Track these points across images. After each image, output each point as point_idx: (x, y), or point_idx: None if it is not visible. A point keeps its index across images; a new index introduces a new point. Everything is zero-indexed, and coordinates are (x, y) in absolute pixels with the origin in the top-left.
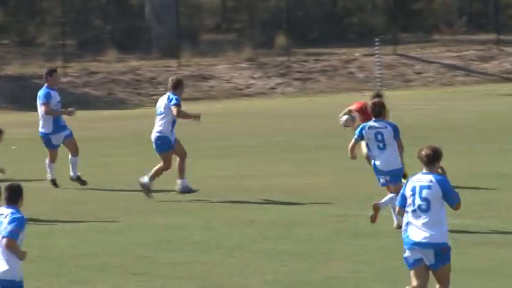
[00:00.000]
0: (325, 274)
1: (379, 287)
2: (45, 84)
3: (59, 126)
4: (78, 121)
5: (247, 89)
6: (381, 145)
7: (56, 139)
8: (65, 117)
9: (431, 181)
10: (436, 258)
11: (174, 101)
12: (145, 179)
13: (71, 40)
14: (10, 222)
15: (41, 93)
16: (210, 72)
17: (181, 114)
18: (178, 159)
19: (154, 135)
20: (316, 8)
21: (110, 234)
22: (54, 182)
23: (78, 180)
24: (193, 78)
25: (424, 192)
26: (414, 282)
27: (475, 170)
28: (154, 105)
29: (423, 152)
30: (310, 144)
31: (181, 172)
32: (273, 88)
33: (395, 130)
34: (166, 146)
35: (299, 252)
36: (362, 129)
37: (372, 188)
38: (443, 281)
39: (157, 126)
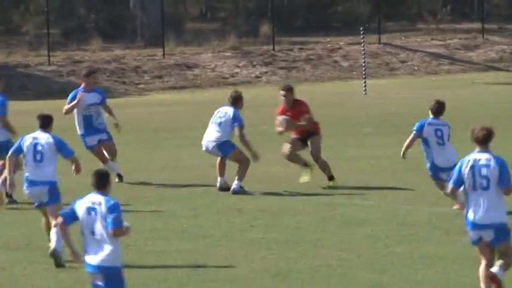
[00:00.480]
0: (313, 262)
1: (367, 275)
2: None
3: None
4: (62, 110)
5: (232, 78)
6: (441, 141)
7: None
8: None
9: (489, 160)
10: (496, 235)
11: (239, 122)
12: (235, 184)
13: (56, 29)
14: (110, 212)
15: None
16: (195, 61)
17: (243, 138)
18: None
19: (211, 144)
20: None
21: None
22: (119, 176)
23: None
24: (178, 67)
25: (484, 171)
26: (482, 260)
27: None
28: (140, 94)
29: (479, 132)
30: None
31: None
32: (258, 77)
33: (449, 130)
34: (229, 147)
35: (287, 241)
36: (422, 125)
37: (359, 177)
38: (505, 255)
39: (214, 134)
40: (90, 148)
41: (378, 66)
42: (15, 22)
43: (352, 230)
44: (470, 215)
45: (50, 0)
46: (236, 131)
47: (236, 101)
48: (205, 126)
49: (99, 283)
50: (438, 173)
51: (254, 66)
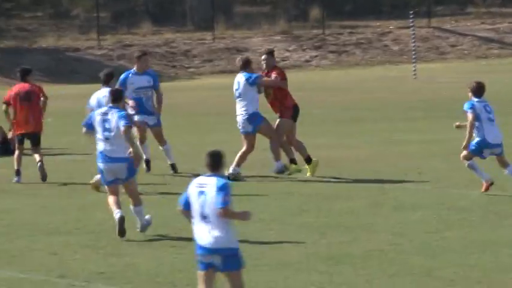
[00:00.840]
0: (366, 247)
1: (419, 260)
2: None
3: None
4: None
5: (282, 62)
6: (492, 116)
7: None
8: None
9: None
10: None
11: (255, 77)
12: (232, 169)
13: (105, 12)
14: (219, 191)
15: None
16: (245, 45)
17: (268, 82)
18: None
19: (241, 119)
20: None
21: (148, 207)
22: (147, 163)
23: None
24: (227, 50)
25: None
26: None
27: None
28: (190, 78)
29: None
30: (347, 116)
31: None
32: (308, 61)
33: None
34: (257, 120)
35: (339, 225)
36: (472, 104)
37: (409, 161)
38: None
39: (240, 109)
40: (136, 122)
41: (427, 50)
42: (65, 6)
43: (404, 214)
44: None
45: None
46: (258, 84)
47: (245, 66)
48: None
49: (215, 262)
50: (483, 150)
51: (304, 50)
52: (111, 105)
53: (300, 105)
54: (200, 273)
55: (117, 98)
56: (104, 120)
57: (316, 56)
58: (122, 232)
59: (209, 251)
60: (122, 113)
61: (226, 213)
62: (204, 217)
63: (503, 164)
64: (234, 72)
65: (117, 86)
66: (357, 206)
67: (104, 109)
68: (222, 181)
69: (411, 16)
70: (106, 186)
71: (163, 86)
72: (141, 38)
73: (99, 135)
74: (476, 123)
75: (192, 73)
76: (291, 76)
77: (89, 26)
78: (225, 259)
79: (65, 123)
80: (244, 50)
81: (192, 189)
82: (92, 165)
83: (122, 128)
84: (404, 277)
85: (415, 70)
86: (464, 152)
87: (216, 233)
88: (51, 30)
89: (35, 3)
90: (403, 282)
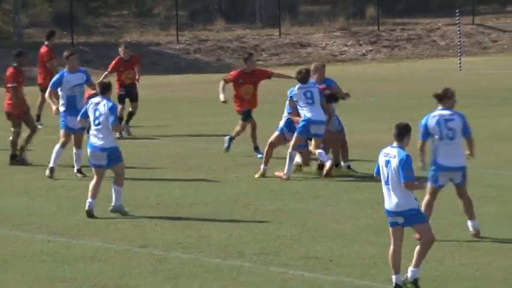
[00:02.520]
0: None
1: (459, 233)
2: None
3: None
4: (189, 84)
5: (340, 55)
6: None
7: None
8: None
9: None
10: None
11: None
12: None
13: (184, 11)
14: (400, 165)
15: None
16: (308, 40)
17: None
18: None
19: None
20: None
21: (219, 184)
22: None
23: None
24: (292, 45)
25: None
26: None
27: None
28: None
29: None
30: (398, 104)
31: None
32: (364, 55)
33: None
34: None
35: None
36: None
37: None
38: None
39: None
40: (70, 129)
41: (471, 45)
42: (147, 5)
43: (445, 192)
44: None
45: None
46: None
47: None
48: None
49: (399, 222)
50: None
51: (361, 45)
52: (101, 96)
53: (357, 94)
54: (390, 229)
55: (105, 89)
56: (95, 110)
57: (371, 50)
58: (88, 214)
59: (392, 213)
60: (111, 104)
61: (408, 186)
62: (387, 183)
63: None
64: (298, 64)
65: (52, 87)
66: None
67: (97, 99)
68: (403, 154)
69: (457, 14)
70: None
71: None
72: (215, 34)
73: (91, 122)
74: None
75: (260, 65)
76: (349, 68)
77: (168, 23)
78: (407, 218)
79: (146, 110)
80: (307, 44)
81: (381, 159)
82: (168, 147)
83: (110, 127)
84: (446, 247)
85: (460, 63)
86: None
87: (396, 199)
88: (135, 27)
89: (120, 2)
90: (445, 252)
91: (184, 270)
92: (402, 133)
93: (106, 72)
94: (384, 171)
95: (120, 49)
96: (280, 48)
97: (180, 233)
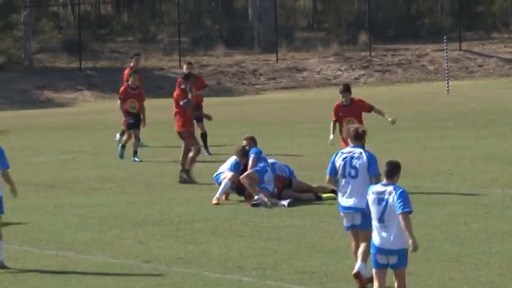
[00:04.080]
0: None
1: (449, 248)
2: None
3: None
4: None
5: (334, 79)
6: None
7: None
8: None
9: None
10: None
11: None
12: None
13: (186, 37)
14: (398, 198)
15: None
16: (304, 65)
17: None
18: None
19: None
20: (394, 10)
21: (220, 203)
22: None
23: None
24: (289, 70)
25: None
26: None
27: None
28: (256, 93)
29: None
30: (389, 126)
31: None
32: (357, 78)
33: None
34: None
35: None
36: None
37: (442, 164)
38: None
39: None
40: None
41: (458, 69)
42: (151, 32)
43: (436, 209)
44: None
45: (181, 13)
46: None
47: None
48: (311, 121)
49: (391, 262)
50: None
51: (353, 69)
52: None
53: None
54: (375, 271)
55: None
56: None
57: (364, 75)
58: None
59: (386, 251)
60: None
61: (406, 217)
62: (381, 221)
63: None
64: (294, 87)
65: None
66: None
67: None
68: (400, 188)
69: (445, 40)
70: None
71: (235, 100)
72: (215, 59)
73: None
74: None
75: (258, 89)
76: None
77: (171, 49)
78: (401, 258)
79: (150, 131)
80: (302, 69)
81: (370, 197)
82: (171, 167)
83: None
84: (436, 263)
85: (448, 87)
86: None
87: (392, 236)
88: (139, 53)
89: (126, 29)
90: (434, 266)
91: (186, 285)
92: (394, 170)
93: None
94: (376, 209)
95: (184, 66)
96: (277, 73)
97: (182, 249)
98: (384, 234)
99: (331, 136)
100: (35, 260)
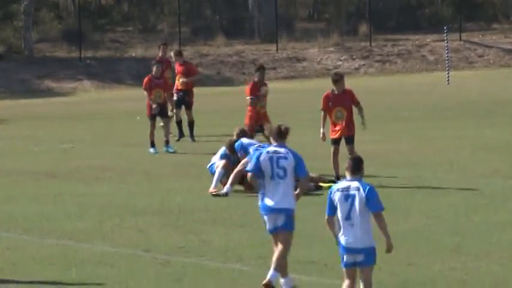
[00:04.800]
0: (403, 227)
1: (449, 239)
2: None
3: None
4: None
5: (335, 70)
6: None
7: None
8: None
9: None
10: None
11: None
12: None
13: (186, 28)
14: (370, 196)
15: None
16: (304, 55)
17: None
18: None
19: None
20: (394, 0)
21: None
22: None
23: None
24: (289, 60)
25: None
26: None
27: None
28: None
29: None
30: (389, 116)
31: None
32: (357, 69)
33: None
34: None
35: None
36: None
37: (443, 154)
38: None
39: None
40: None
41: (459, 60)
42: (152, 22)
43: (436, 199)
44: None
45: (181, 3)
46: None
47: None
48: (312, 111)
49: (358, 260)
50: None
51: (354, 59)
52: None
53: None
54: (345, 269)
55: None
56: None
57: (364, 65)
58: None
59: (352, 250)
60: None
61: (379, 215)
62: (348, 219)
63: None
64: (294, 77)
65: None
66: (396, 192)
67: None
68: (367, 185)
69: (445, 31)
70: None
71: (234, 89)
72: (215, 49)
73: None
74: None
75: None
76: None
77: (172, 39)
78: (368, 256)
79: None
80: (303, 59)
81: (336, 195)
82: (171, 156)
83: None
84: (436, 253)
85: (448, 77)
86: None
87: (359, 234)
88: (139, 42)
89: (126, 19)
90: (435, 257)
91: (186, 274)
92: (358, 165)
93: None
94: (342, 207)
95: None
96: (277, 63)
97: (182, 238)
98: (351, 232)
99: (322, 130)
100: (35, 249)
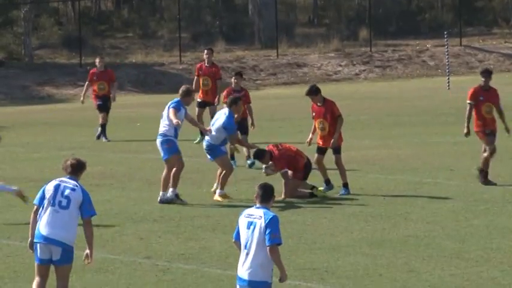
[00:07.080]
0: (404, 233)
1: (449, 244)
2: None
3: None
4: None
5: (335, 75)
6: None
7: None
8: None
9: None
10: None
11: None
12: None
13: (186, 33)
14: (269, 226)
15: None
16: (304, 61)
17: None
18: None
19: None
20: (394, 6)
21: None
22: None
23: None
24: (289, 65)
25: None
26: None
27: None
28: (257, 89)
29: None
30: (389, 121)
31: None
32: (357, 74)
33: None
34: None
35: (381, 214)
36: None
37: (443, 159)
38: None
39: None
40: None
41: (459, 65)
42: (152, 28)
43: (437, 205)
44: None
45: (181, 9)
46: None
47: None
48: (312, 117)
49: None
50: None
51: (354, 65)
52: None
53: (350, 112)
54: None
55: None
56: None
57: (364, 70)
58: None
59: (245, 282)
60: None
61: (273, 250)
62: (246, 247)
63: None
64: (295, 83)
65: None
66: (397, 197)
67: None
68: (270, 214)
69: (445, 36)
70: None
71: None
72: (215, 55)
73: None
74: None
75: (258, 85)
76: (343, 87)
77: (172, 45)
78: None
79: (151, 127)
80: (303, 65)
81: (242, 220)
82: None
83: None
84: (437, 259)
85: (448, 82)
86: None
87: (252, 266)
88: (140, 48)
89: (126, 25)
90: (435, 263)
91: (187, 281)
92: (268, 194)
93: None
94: (244, 234)
95: (97, 60)
96: (277, 68)
97: (183, 245)
98: (247, 263)
99: (310, 135)
100: None
